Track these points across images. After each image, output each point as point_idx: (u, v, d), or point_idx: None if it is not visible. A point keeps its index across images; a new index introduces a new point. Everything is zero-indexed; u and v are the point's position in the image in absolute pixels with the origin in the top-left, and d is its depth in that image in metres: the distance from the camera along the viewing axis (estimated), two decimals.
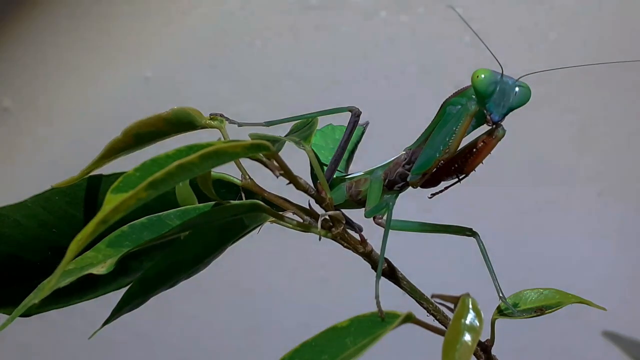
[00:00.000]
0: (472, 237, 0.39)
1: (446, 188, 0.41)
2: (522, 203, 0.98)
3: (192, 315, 0.97)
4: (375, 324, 0.34)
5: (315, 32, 0.96)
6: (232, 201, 0.37)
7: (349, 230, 0.38)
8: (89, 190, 0.36)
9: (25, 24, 0.96)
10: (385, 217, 0.39)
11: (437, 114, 0.39)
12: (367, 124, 0.45)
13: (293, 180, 0.37)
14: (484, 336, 0.36)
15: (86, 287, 0.38)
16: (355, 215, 0.41)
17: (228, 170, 0.37)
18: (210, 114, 0.36)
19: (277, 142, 0.37)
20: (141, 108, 0.93)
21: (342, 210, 0.39)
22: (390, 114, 0.95)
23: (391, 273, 0.38)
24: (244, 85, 0.96)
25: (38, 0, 0.95)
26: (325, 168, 0.41)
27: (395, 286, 0.39)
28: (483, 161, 0.39)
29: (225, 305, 0.98)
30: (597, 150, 0.98)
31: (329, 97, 0.95)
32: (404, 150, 0.41)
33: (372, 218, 0.40)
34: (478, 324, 0.33)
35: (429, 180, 0.40)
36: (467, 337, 0.32)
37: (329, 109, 0.40)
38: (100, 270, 0.31)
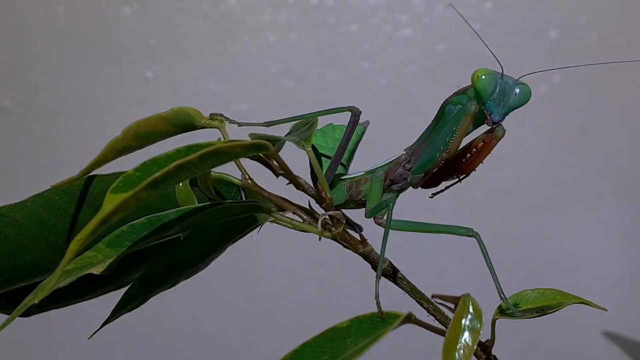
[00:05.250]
0: (472, 237, 0.39)
1: (447, 188, 0.41)
2: (522, 203, 0.98)
3: (192, 315, 0.97)
4: (375, 324, 0.34)
5: (315, 32, 0.95)
6: (231, 201, 0.37)
7: (349, 230, 0.38)
8: (89, 190, 0.36)
9: (24, 23, 0.96)
10: (385, 217, 0.39)
11: (437, 114, 0.39)
12: (367, 123, 0.44)
13: (293, 180, 0.37)
14: (485, 336, 0.36)
15: (86, 287, 0.38)
16: (356, 215, 0.41)
17: (229, 170, 0.37)
18: (210, 114, 0.36)
19: (277, 142, 0.37)
20: (141, 108, 0.93)
21: (342, 210, 0.39)
22: (390, 114, 0.95)
23: (393, 273, 0.38)
24: (244, 85, 0.96)
25: (37, 0, 0.95)
26: (325, 168, 0.41)
27: (396, 286, 0.39)
28: (483, 161, 0.39)
29: (225, 305, 0.98)
30: (597, 150, 0.98)
31: (329, 97, 0.95)
32: (404, 150, 0.41)
33: (372, 218, 0.40)
34: (478, 324, 0.33)
35: (430, 180, 0.40)
36: (468, 338, 0.32)
37: (328, 108, 0.40)
38: (99, 270, 0.31)
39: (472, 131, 0.38)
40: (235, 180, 0.37)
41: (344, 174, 0.42)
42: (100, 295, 0.39)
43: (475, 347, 0.32)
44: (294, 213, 0.37)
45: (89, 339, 0.37)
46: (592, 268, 0.99)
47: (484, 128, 0.38)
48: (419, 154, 0.39)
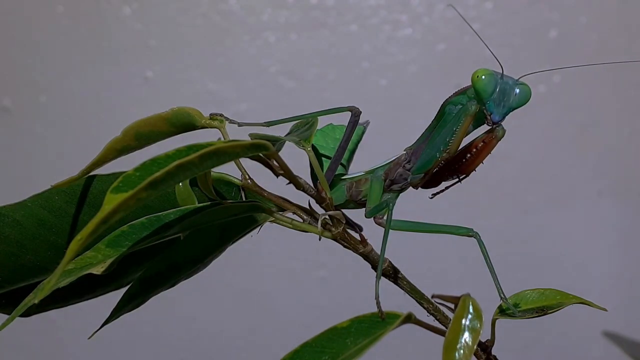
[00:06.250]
0: (472, 237, 0.39)
1: (447, 188, 0.41)
2: (522, 203, 0.98)
3: (192, 315, 0.97)
4: (375, 324, 0.34)
5: (315, 32, 0.95)
6: (231, 201, 0.37)
7: (349, 230, 0.38)
8: (89, 190, 0.36)
9: (25, 23, 0.96)
10: (385, 217, 0.39)
11: (437, 114, 0.39)
12: (367, 123, 0.44)
13: (293, 180, 0.37)
14: (485, 336, 0.36)
15: (86, 287, 0.38)
16: (356, 215, 0.41)
17: (229, 170, 0.37)
18: (211, 114, 0.36)
19: (277, 142, 0.37)
20: (141, 108, 0.93)
21: (342, 210, 0.39)
22: (390, 114, 0.95)
23: (393, 273, 0.38)
24: (244, 85, 0.96)
25: (37, 0, 0.95)
26: (325, 168, 0.41)
27: (396, 286, 0.39)
28: (483, 161, 0.39)
29: (225, 305, 0.98)
30: (597, 150, 0.98)
31: (329, 97, 0.95)
32: (404, 150, 0.41)
33: (372, 218, 0.40)
34: (478, 324, 0.33)
35: (430, 180, 0.40)
36: (468, 338, 0.32)
37: (328, 108, 0.40)
38: (99, 270, 0.31)
39: (472, 131, 0.38)
40: (235, 180, 0.37)
41: (344, 174, 0.42)
42: (100, 295, 0.39)
43: (475, 347, 0.32)
44: (294, 213, 0.37)
45: (89, 339, 0.37)
46: (592, 268, 0.99)
47: (484, 128, 0.38)
48: (419, 154, 0.39)
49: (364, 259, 0.38)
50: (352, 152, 0.43)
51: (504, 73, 0.37)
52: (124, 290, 0.37)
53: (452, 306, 0.35)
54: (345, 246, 0.38)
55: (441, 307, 0.38)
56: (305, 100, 0.95)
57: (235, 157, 0.31)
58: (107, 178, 0.36)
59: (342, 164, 0.42)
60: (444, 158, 0.38)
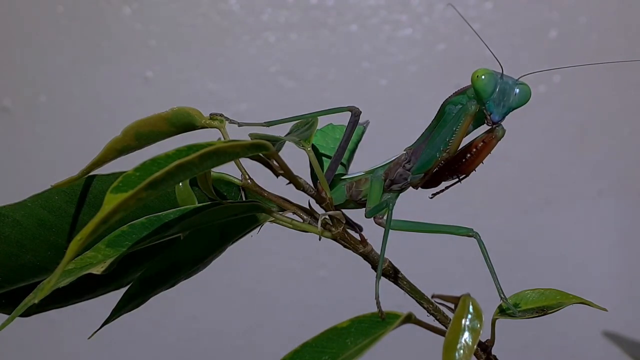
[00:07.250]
0: (472, 237, 0.39)
1: (447, 188, 0.41)
2: (522, 203, 0.98)
3: (192, 315, 0.97)
4: (375, 324, 0.34)
5: (315, 32, 0.95)
6: (231, 201, 0.37)
7: (349, 230, 0.38)
8: (89, 190, 0.36)
9: (25, 23, 0.96)
10: (385, 217, 0.39)
11: (437, 114, 0.39)
12: (367, 123, 0.44)
13: (293, 180, 0.37)
14: (485, 336, 0.36)
15: (86, 287, 0.38)
16: (356, 215, 0.41)
17: (229, 170, 0.37)
18: (211, 114, 0.36)
19: (277, 142, 0.37)
20: (141, 108, 0.93)
21: (342, 210, 0.39)
22: (390, 114, 0.95)
23: (393, 273, 0.38)
24: (244, 85, 0.96)
25: (37, 0, 0.95)
26: (325, 168, 0.41)
27: (396, 286, 0.39)
28: (483, 161, 0.39)
29: (225, 305, 0.98)
30: (597, 150, 0.98)
31: (329, 97, 0.95)
32: (404, 150, 0.41)
33: (372, 218, 0.40)
34: (478, 324, 0.33)
35: (430, 180, 0.40)
36: (468, 337, 0.32)
37: (328, 108, 0.40)
38: (99, 270, 0.31)
39: (472, 131, 0.38)
40: (235, 180, 0.37)
41: (344, 174, 0.42)
42: (100, 295, 0.39)
43: (475, 347, 0.32)
44: (294, 213, 0.37)
45: (89, 339, 0.37)
46: (592, 268, 0.99)
47: (484, 128, 0.38)
48: (419, 154, 0.39)
49: (364, 259, 0.38)
50: (352, 152, 0.43)
51: (504, 73, 0.37)
52: (124, 290, 0.37)
53: (452, 306, 0.35)
54: (345, 246, 0.38)
55: (441, 307, 0.38)
56: (305, 100, 0.95)
57: (235, 157, 0.31)
58: (107, 178, 0.36)
59: (342, 164, 0.42)
60: (444, 158, 0.38)
